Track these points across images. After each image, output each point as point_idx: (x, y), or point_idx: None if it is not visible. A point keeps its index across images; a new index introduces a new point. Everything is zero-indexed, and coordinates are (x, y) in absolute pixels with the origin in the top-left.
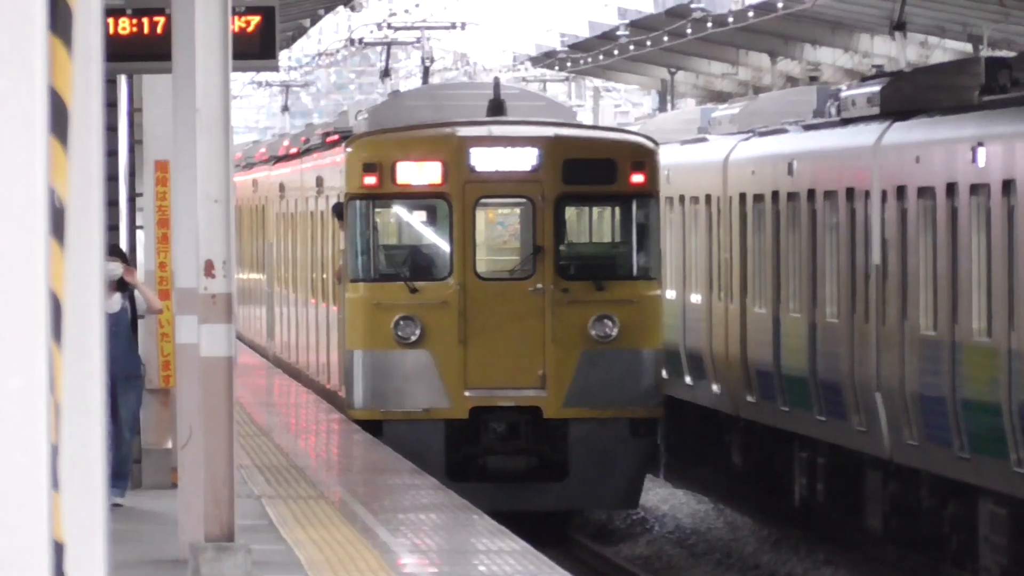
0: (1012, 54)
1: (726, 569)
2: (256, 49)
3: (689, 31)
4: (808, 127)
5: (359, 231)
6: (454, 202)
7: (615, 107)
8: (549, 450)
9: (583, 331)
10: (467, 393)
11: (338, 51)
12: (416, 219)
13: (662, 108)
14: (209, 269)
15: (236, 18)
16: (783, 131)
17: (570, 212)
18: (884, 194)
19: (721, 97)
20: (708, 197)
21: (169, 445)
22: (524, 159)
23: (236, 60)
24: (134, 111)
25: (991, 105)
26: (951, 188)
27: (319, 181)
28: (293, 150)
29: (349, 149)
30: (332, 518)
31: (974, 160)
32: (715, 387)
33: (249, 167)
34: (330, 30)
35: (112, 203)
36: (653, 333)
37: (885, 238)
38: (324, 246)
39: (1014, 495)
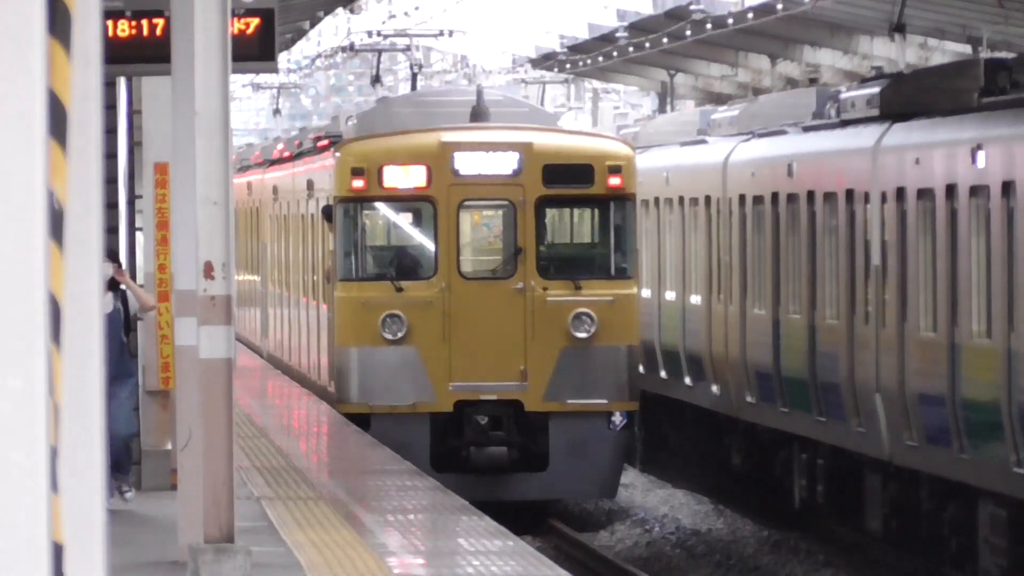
0: (1011, 56)
1: (726, 570)
2: (255, 51)
3: (688, 33)
4: (808, 129)
5: (347, 233)
6: (438, 205)
7: (614, 109)
8: (530, 442)
9: (562, 328)
10: (451, 387)
11: (337, 53)
12: (402, 221)
13: (661, 110)
14: (208, 271)
15: (235, 20)
16: (782, 133)
17: (550, 214)
18: (884, 196)
19: (720, 99)
20: (708, 199)
21: (168, 447)
22: (505, 163)
23: (235, 62)
24: (133, 113)
25: (990, 107)
26: (951, 190)
27: (310, 184)
28: (286, 154)
29: (338, 154)
30: (332, 520)
31: (974, 162)
32: (715, 388)
33: (244, 170)
34: (329, 32)
35: (111, 205)
36: (629, 330)
37: (885, 240)
38: (315, 247)
39: (1014, 496)
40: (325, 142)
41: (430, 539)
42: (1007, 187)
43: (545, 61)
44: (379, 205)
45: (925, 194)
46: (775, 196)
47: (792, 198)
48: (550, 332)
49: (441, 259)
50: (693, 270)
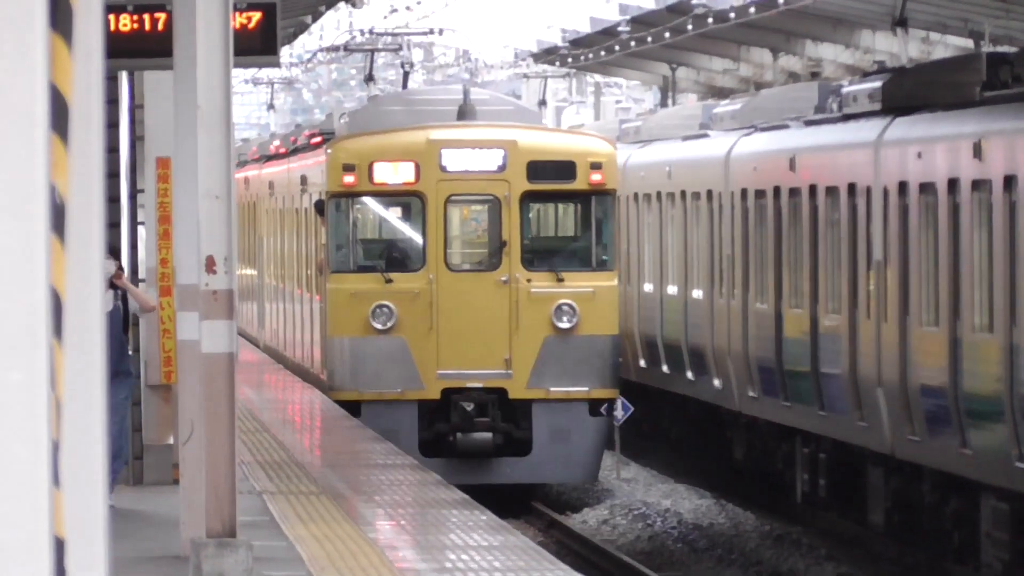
0: (1013, 50)
1: (728, 565)
2: (257, 45)
3: (690, 27)
4: (810, 123)
5: (339, 226)
6: (427, 199)
7: (616, 103)
8: (514, 428)
9: (545, 318)
10: (439, 375)
11: (339, 49)
12: (391, 215)
13: (663, 104)
14: (210, 265)
15: (237, 14)
16: (785, 127)
17: (534, 208)
18: (885, 190)
19: (722, 93)
20: (710, 193)
21: (170, 441)
22: (491, 159)
23: (237, 56)
24: (135, 107)
25: (992, 101)
26: (953, 184)
27: (304, 180)
28: (282, 150)
29: (330, 150)
30: (333, 514)
31: (975, 156)
32: (717, 382)
33: (242, 166)
34: (331, 26)
35: (113, 200)
36: (610, 320)
37: (887, 234)
38: (308, 241)
39: (1016, 490)
40: (319, 139)
41: (432, 533)
42: (1009, 181)
43: (547, 55)
44: (369, 200)
45: (927, 188)
46: (777, 190)
47: (794, 192)
48: (534, 322)
49: (429, 252)
50: (695, 264)
